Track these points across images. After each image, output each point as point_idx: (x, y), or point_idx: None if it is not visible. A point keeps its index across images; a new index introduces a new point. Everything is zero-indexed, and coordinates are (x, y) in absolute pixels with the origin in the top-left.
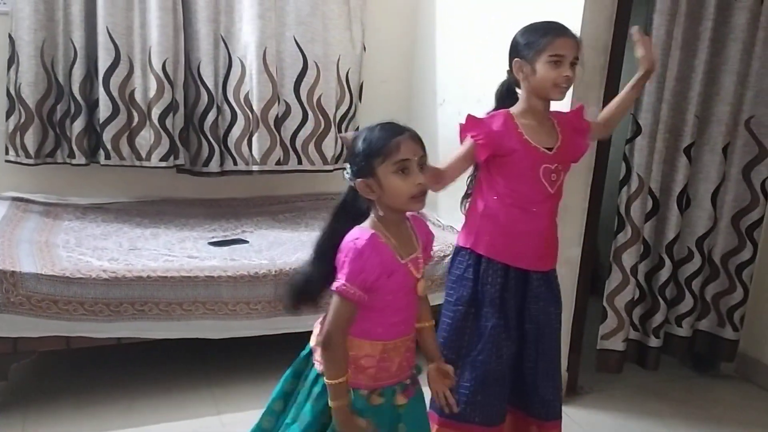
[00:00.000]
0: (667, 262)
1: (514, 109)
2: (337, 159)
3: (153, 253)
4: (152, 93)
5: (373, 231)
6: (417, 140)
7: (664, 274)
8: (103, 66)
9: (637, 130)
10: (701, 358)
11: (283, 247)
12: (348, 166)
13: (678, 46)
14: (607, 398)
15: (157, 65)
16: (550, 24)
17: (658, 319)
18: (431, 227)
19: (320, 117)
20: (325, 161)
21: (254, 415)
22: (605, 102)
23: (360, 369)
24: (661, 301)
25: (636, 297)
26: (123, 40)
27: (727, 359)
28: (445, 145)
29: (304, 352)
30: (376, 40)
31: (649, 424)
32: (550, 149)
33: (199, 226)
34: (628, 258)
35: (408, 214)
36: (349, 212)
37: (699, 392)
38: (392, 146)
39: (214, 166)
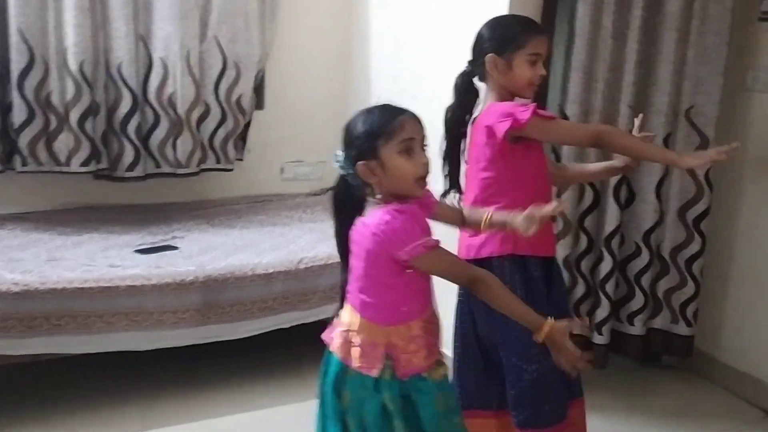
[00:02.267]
0: (608, 256)
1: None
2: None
3: (71, 264)
4: (70, 95)
5: (403, 206)
6: (418, 121)
7: (605, 268)
8: (16, 68)
9: None
10: (654, 355)
11: (215, 252)
12: (340, 152)
13: (609, 34)
14: None
15: (74, 66)
16: (526, 20)
17: (601, 314)
18: None
19: (239, 116)
20: (241, 159)
21: (182, 430)
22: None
23: (411, 354)
24: (603, 297)
25: (581, 293)
26: (37, 41)
27: (684, 355)
28: None
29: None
30: (309, 38)
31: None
32: None
33: (126, 234)
34: (562, 251)
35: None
36: (346, 205)
37: (643, 384)
38: (396, 125)
39: (138, 170)
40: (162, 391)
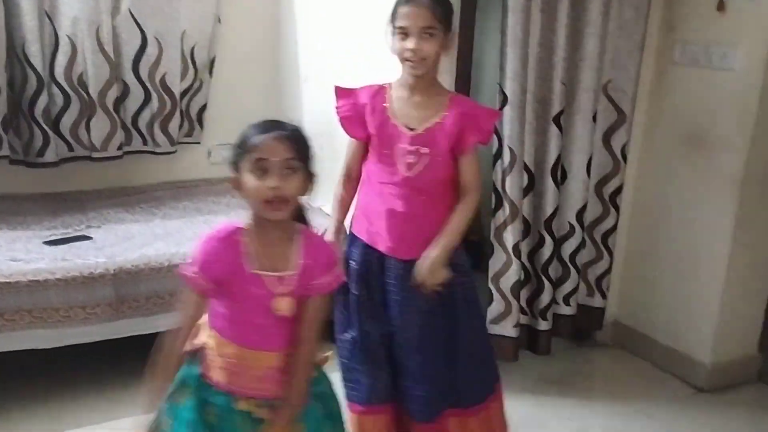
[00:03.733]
0: (548, 239)
1: (395, 80)
2: (184, 137)
3: None
4: None
5: (239, 227)
6: (287, 142)
7: (546, 251)
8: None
9: (504, 100)
10: (580, 331)
11: (130, 242)
12: None
13: (538, 8)
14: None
15: None
16: None
17: (545, 300)
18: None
19: (164, 96)
20: (172, 142)
21: (96, 429)
22: (458, 70)
23: (216, 364)
24: (546, 281)
25: (521, 278)
26: None
27: (596, 327)
28: (311, 124)
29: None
30: (236, 13)
31: (527, 401)
32: (413, 129)
33: (36, 224)
34: (510, 236)
35: (301, 232)
36: None
37: (577, 365)
38: (254, 142)
39: (50, 155)
40: (78, 389)
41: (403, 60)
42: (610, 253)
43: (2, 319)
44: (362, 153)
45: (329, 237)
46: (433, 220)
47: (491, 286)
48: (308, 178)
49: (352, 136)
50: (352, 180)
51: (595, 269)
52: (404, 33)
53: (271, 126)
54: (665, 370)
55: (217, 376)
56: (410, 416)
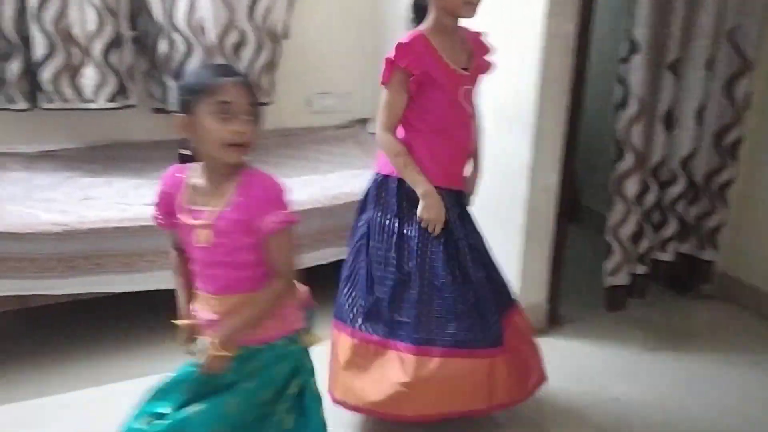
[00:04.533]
0: (654, 186)
1: (425, 28)
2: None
3: (107, 202)
4: (92, 26)
5: (189, 166)
6: (248, 88)
7: (651, 198)
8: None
9: (633, 48)
10: (682, 281)
11: None
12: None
13: None
14: (589, 328)
15: None
16: None
17: (644, 245)
18: None
19: (272, 45)
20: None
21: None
22: (581, 17)
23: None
24: (647, 227)
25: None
26: None
27: (705, 281)
28: None
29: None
30: None
31: (629, 350)
32: (465, 69)
33: (156, 171)
34: (631, 187)
35: (244, 172)
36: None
37: (679, 315)
38: (216, 85)
39: (172, 103)
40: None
41: (465, 3)
42: (726, 207)
43: (142, 260)
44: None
45: (433, 198)
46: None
47: (609, 237)
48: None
49: (410, 89)
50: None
51: (708, 221)
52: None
53: (227, 70)
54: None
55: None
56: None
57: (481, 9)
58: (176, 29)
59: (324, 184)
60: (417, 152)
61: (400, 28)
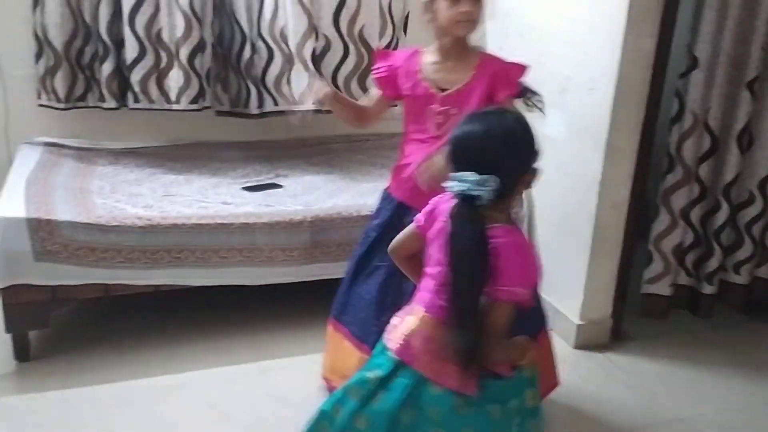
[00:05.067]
0: (725, 205)
1: (431, 47)
2: None
3: (187, 200)
4: (180, 32)
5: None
6: None
7: (720, 217)
8: (128, 4)
9: (693, 64)
10: (757, 305)
11: (318, 192)
12: None
13: None
14: (653, 345)
15: (184, 2)
16: None
17: (712, 264)
18: None
19: (362, 50)
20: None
21: (292, 362)
22: (661, 33)
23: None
24: (716, 247)
25: (688, 242)
26: None
27: None
28: None
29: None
30: None
31: (696, 371)
32: (444, 90)
33: (232, 171)
34: (678, 200)
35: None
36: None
37: (751, 339)
38: None
39: (252, 107)
40: (267, 325)
41: (455, 23)
42: None
43: (217, 256)
44: (381, 107)
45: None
46: None
47: (651, 247)
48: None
49: (385, 97)
50: (363, 112)
51: None
52: None
53: None
54: None
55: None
56: None
57: (478, 26)
58: (261, 36)
59: None
60: (400, 158)
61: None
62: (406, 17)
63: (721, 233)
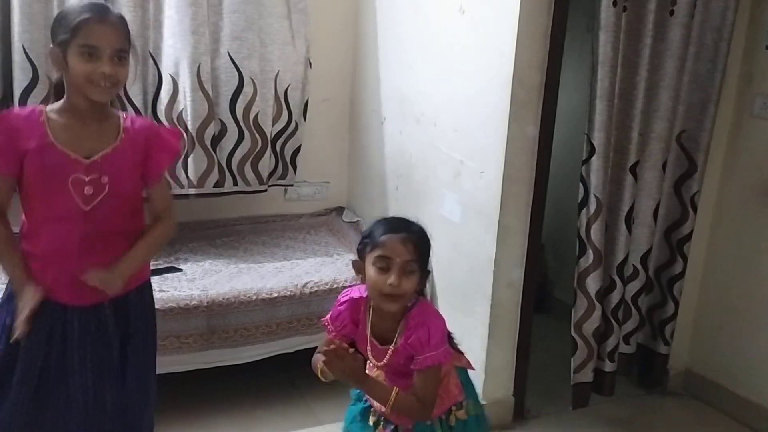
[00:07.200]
0: (619, 283)
1: (56, 104)
2: (269, 177)
3: None
4: None
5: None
6: (411, 245)
7: (616, 295)
8: (19, 87)
9: (591, 150)
10: (648, 376)
11: (218, 275)
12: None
13: (620, 62)
14: (555, 423)
15: None
16: (82, 8)
17: (612, 342)
18: None
19: (257, 135)
20: (260, 181)
21: None
22: (542, 122)
23: None
24: (614, 324)
25: (601, 324)
26: (41, 60)
27: (660, 373)
28: (391, 164)
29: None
30: (317, 57)
31: None
32: (88, 157)
33: None
34: (592, 283)
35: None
36: None
37: (647, 411)
38: (381, 240)
39: None
40: (163, 416)
41: (89, 83)
42: (675, 300)
43: None
44: (9, 189)
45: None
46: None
47: (574, 334)
48: (423, 276)
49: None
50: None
51: (660, 314)
52: (90, 54)
53: (398, 225)
54: (741, 421)
55: None
56: None
57: (114, 92)
58: (156, 120)
59: (294, 272)
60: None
61: (378, 118)
62: (306, 103)
63: (618, 310)
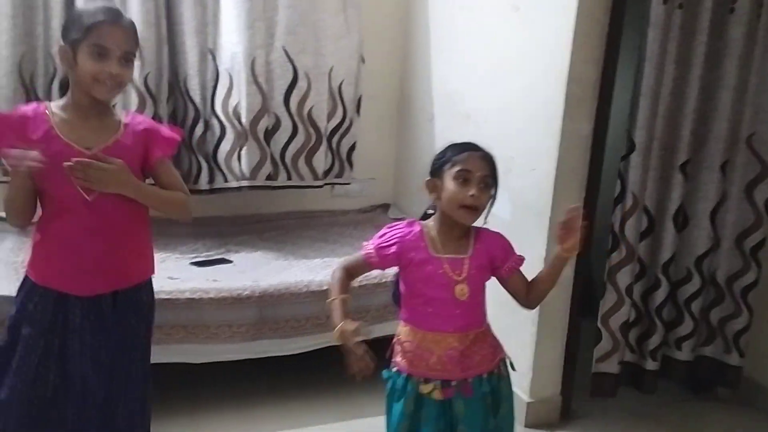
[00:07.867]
0: (664, 282)
1: (59, 101)
2: (326, 174)
3: None
4: (133, 108)
5: (418, 221)
6: (487, 161)
7: (661, 294)
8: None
9: (631, 147)
10: (701, 383)
11: (268, 267)
12: None
13: (672, 60)
14: (602, 423)
15: (138, 80)
16: (96, 10)
17: (655, 341)
18: None
19: (311, 130)
20: (315, 176)
21: None
22: (597, 119)
23: (401, 351)
24: (659, 323)
25: (632, 318)
26: None
27: (731, 386)
28: None
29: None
30: (367, 53)
31: None
32: (90, 149)
33: (181, 246)
34: (623, 277)
35: (480, 228)
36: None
37: (696, 416)
38: (461, 157)
39: (203, 182)
40: (211, 405)
41: (94, 81)
42: (750, 310)
43: (160, 333)
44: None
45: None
46: (114, 241)
47: (600, 325)
48: (493, 196)
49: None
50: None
51: (732, 325)
52: (100, 54)
53: (474, 146)
54: None
55: (400, 363)
56: None
57: (118, 92)
58: (214, 113)
59: None
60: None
61: (426, 116)
62: (359, 99)
63: (662, 310)
